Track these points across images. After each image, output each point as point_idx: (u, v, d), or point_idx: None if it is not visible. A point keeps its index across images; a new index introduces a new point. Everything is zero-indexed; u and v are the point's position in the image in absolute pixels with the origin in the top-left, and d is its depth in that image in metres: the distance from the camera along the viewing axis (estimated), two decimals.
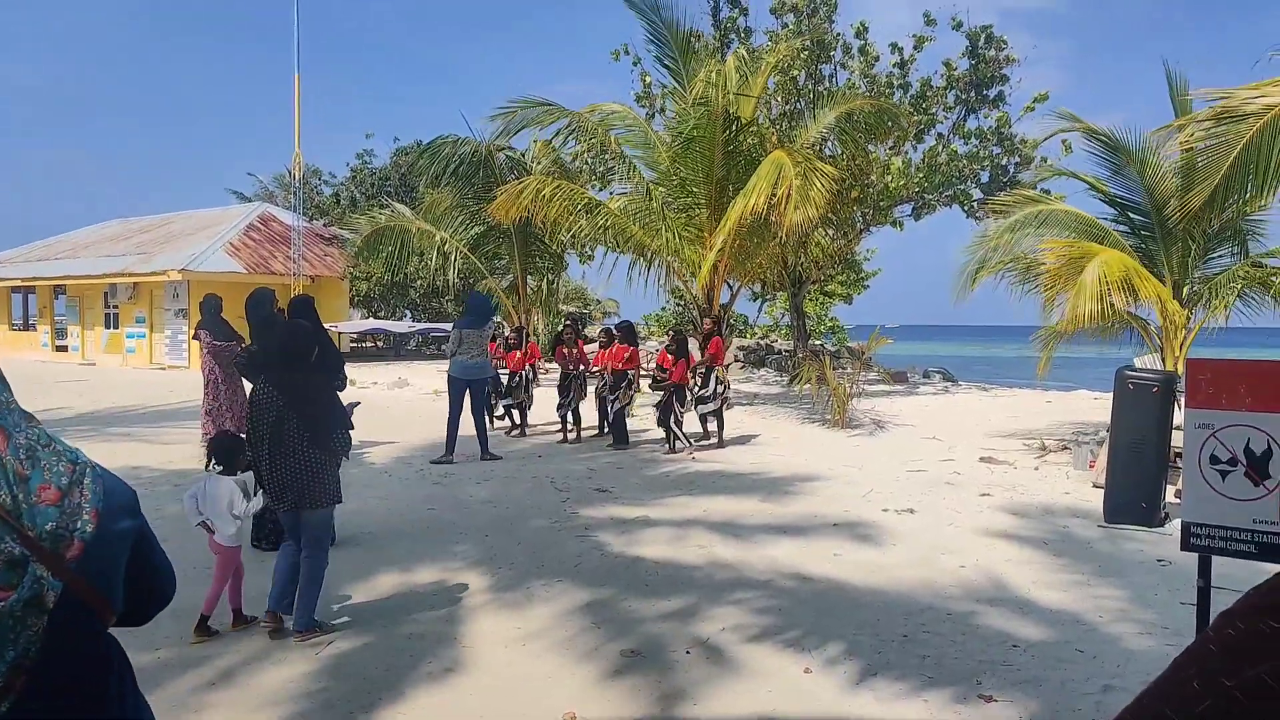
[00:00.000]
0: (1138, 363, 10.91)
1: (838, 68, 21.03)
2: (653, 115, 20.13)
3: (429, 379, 23.06)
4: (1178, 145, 10.56)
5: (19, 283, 31.96)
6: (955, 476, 10.15)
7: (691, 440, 11.75)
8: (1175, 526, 6.48)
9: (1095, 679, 4.58)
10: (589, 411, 13.43)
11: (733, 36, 21.49)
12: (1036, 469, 10.74)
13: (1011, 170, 20.81)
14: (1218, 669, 0.88)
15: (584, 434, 12.89)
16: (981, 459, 11.30)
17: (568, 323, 13.38)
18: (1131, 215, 12.36)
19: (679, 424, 11.61)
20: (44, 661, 1.32)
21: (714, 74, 15.21)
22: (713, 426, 12.25)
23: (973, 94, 20.74)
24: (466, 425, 11.33)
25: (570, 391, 12.60)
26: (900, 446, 12.44)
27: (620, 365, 12.14)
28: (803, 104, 19.72)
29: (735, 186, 15.07)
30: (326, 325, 25.33)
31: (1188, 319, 11.54)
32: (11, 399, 1.44)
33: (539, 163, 19.91)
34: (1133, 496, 5.48)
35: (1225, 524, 3.43)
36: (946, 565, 6.59)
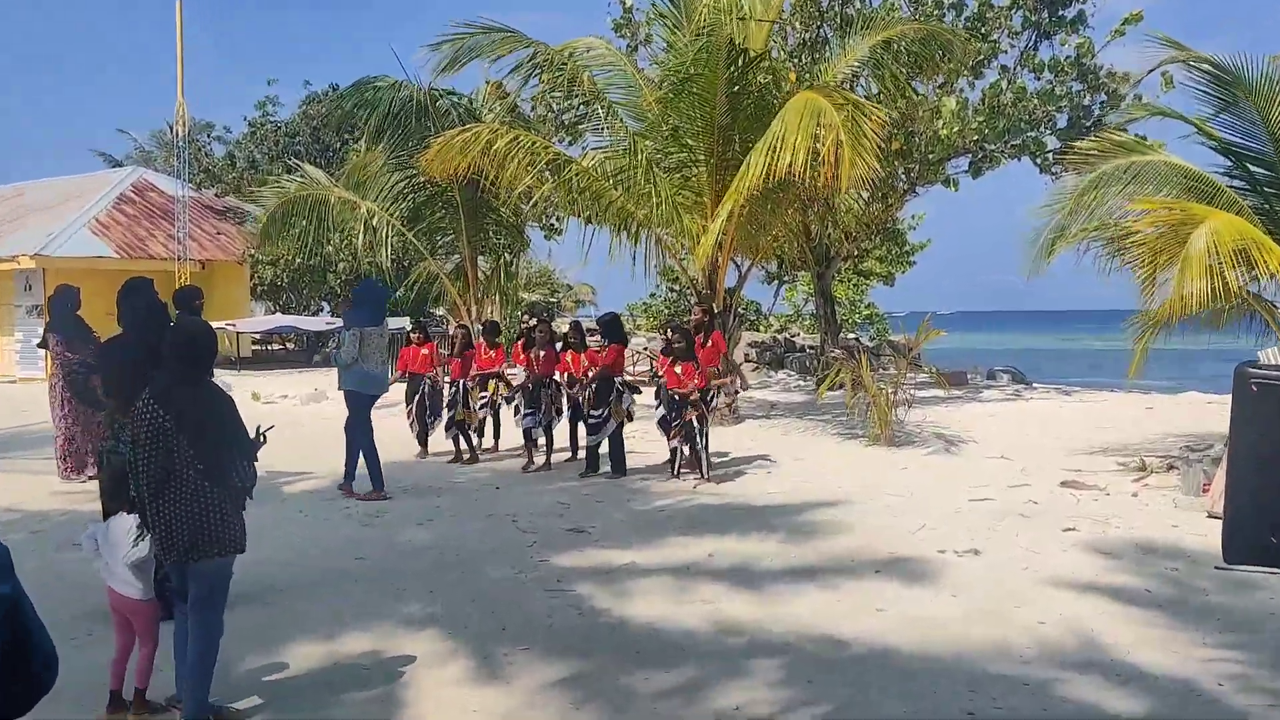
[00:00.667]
0: (1262, 357, 10.92)
1: None
2: (635, 48, 20.12)
3: None
4: None
5: None
6: (1030, 507, 10.18)
7: (711, 465, 11.71)
8: None
9: None
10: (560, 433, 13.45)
11: None
12: (1135, 495, 10.79)
13: (1096, 111, 20.86)
14: None
15: (556, 457, 12.88)
16: (1063, 483, 11.35)
17: (530, 320, 13.42)
18: (1250, 167, 12.42)
19: (704, 447, 11.55)
20: None
21: None
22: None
23: (1045, 14, 20.76)
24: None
25: (541, 404, 12.58)
26: (960, 468, 12.47)
27: (607, 369, 12.13)
28: (827, 30, 19.73)
29: (743, 137, 15.09)
30: (221, 323, 25.34)
31: None
32: None
33: (490, 110, 19.90)
34: (1260, 530, 5.49)
35: None
36: (1021, 621, 6.60)
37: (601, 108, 17.26)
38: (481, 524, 9.56)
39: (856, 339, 32.37)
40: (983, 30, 20.56)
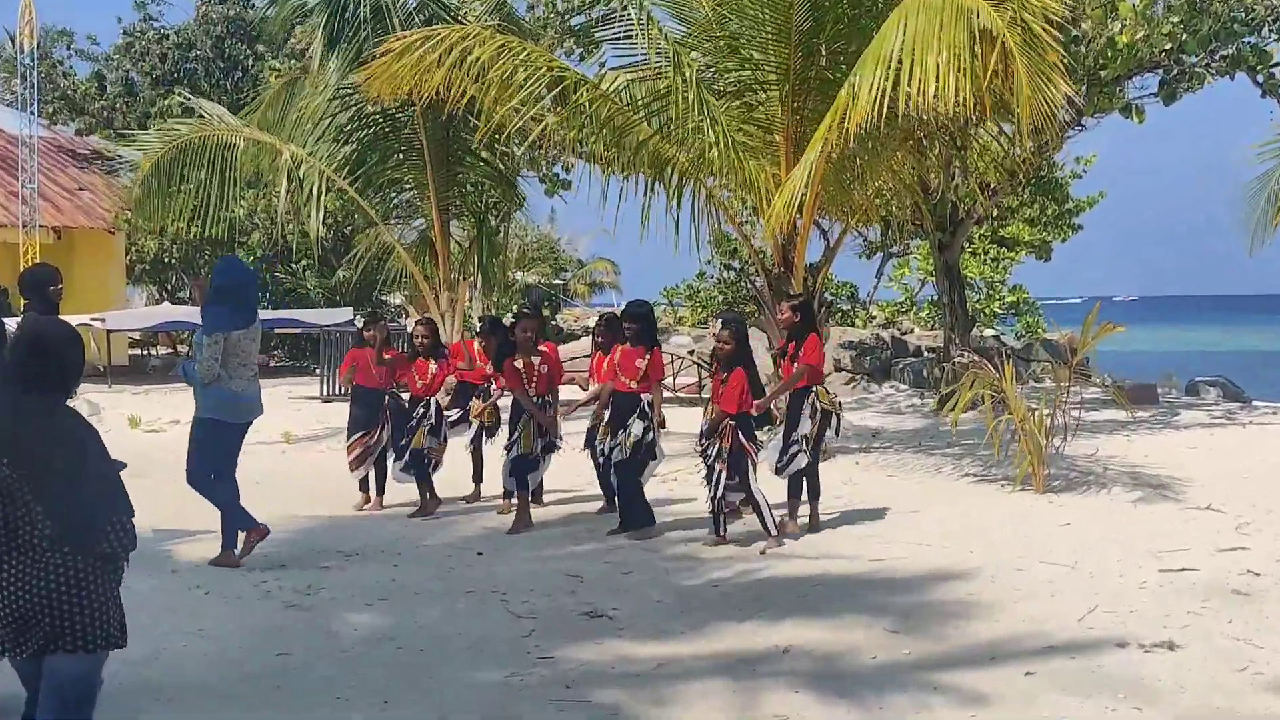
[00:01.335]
0: None
1: None
2: None
3: (276, 414, 23.05)
4: None
5: None
6: (1250, 580, 10.07)
7: (774, 519, 11.71)
8: None
9: None
10: (569, 469, 13.42)
11: None
12: None
13: None
14: None
15: (565, 508, 12.94)
16: None
17: (500, 315, 13.52)
18: None
19: (758, 496, 11.53)
20: None
21: None
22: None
23: None
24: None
25: (530, 432, 12.59)
26: (1147, 524, 12.37)
27: (632, 383, 12.17)
28: None
29: (835, 48, 15.09)
30: (85, 318, 25.60)
31: None
32: None
33: (472, 9, 19.93)
34: None
35: None
36: None
37: (625, 8, 17.32)
38: (458, 604, 9.56)
39: (997, 337, 32.26)
40: None
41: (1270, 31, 20.15)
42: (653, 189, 16.26)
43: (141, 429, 20.03)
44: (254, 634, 8.76)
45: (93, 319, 26.70)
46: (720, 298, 35.27)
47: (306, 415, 22.48)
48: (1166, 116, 21.41)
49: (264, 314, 31.81)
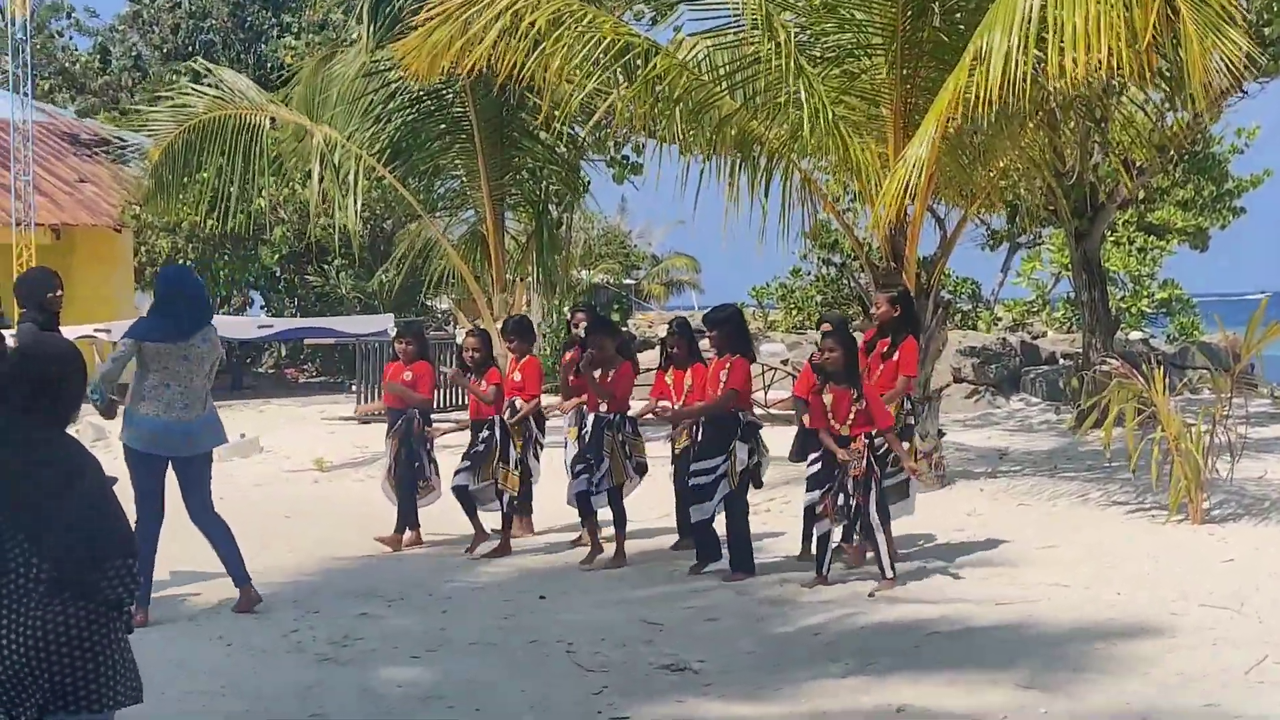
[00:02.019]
0: None
1: None
2: None
3: (304, 434, 23.22)
4: None
5: None
6: None
7: (893, 559, 11.64)
8: None
9: None
10: (647, 499, 13.44)
11: None
12: None
13: None
14: None
15: (636, 543, 12.98)
16: None
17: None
18: None
19: (880, 524, 11.46)
20: None
21: None
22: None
23: None
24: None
25: (604, 457, 12.61)
26: None
27: (717, 397, 12.17)
28: None
29: (946, 5, 15.03)
30: (89, 329, 25.88)
31: None
32: None
33: None
34: None
35: None
36: None
37: None
38: (517, 657, 9.59)
39: (1145, 340, 31.98)
40: None
41: None
42: (737, 173, 16.20)
43: None
44: (283, 692, 8.78)
45: (97, 330, 26.84)
46: (819, 298, 35.10)
47: (341, 439, 22.64)
48: None
49: (290, 322, 32.27)
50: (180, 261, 32.16)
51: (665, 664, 9.31)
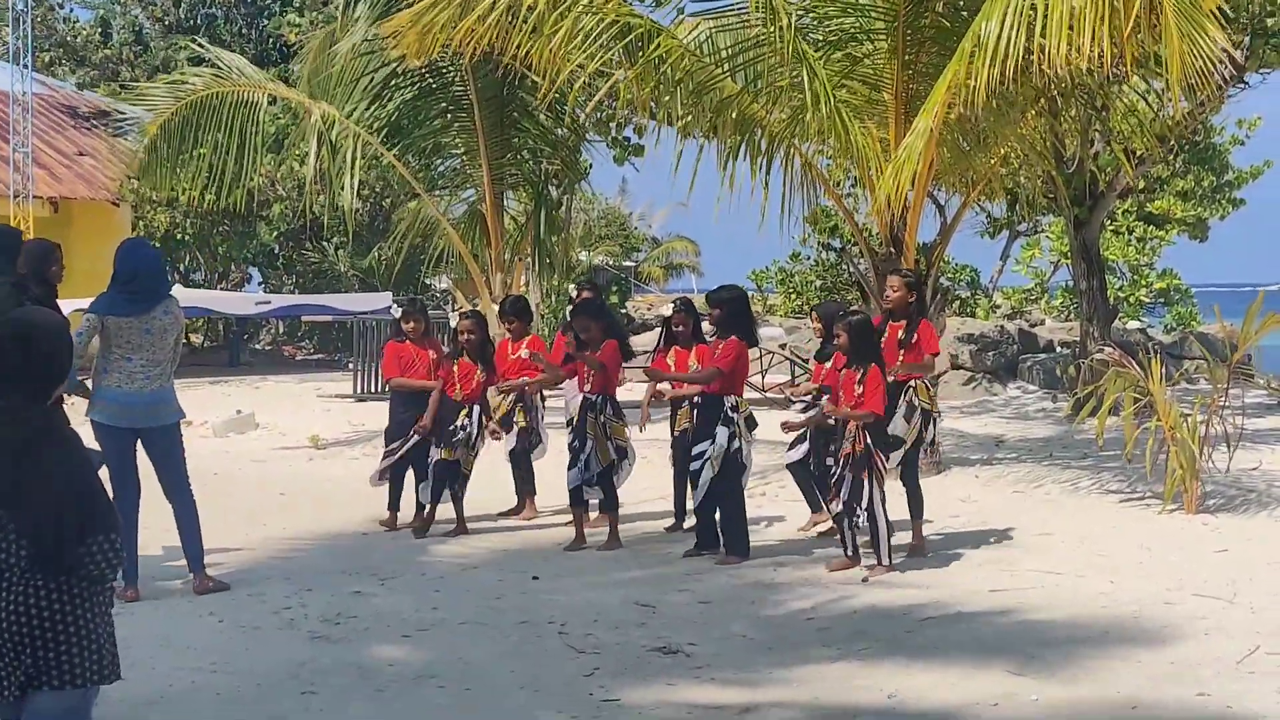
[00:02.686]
0: None
1: None
2: None
3: (300, 412, 23.22)
4: None
5: None
6: None
7: (891, 545, 11.60)
8: None
9: None
10: (643, 481, 13.42)
11: None
12: None
13: None
14: None
15: (625, 525, 12.97)
16: None
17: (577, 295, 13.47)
18: None
19: (878, 515, 11.42)
20: None
21: None
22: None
23: None
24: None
25: (588, 438, 12.58)
26: None
27: (699, 372, 12.20)
28: None
29: None
30: (84, 304, 25.94)
31: None
32: None
33: None
34: None
35: None
36: None
37: None
38: (509, 637, 9.58)
39: (1143, 330, 31.99)
40: None
41: None
42: (737, 155, 16.17)
43: None
44: (274, 670, 8.77)
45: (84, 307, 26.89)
46: (818, 282, 35.04)
47: (337, 416, 22.68)
48: None
49: (288, 299, 32.39)
50: (179, 237, 32.23)
51: (657, 646, 9.29)
